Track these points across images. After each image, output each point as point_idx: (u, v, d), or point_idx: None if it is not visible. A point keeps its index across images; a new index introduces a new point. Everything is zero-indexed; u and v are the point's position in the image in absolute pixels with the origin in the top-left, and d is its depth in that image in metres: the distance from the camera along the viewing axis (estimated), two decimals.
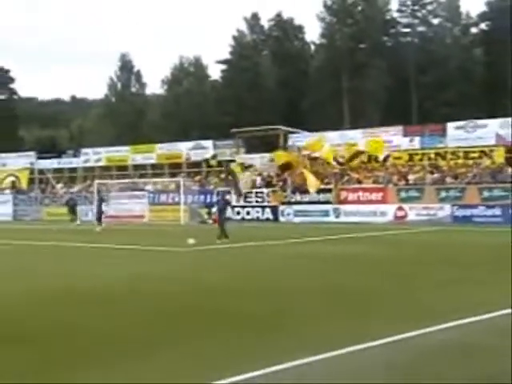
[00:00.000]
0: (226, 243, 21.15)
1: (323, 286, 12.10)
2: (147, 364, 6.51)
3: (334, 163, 38.95)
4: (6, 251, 20.91)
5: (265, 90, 65.83)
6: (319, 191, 37.28)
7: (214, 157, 44.87)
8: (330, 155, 38.73)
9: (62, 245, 22.82)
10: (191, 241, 20.74)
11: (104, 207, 34.10)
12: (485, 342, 7.33)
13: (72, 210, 39.69)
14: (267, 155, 43.61)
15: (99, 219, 32.76)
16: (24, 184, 50.51)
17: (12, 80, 78.04)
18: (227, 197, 25.75)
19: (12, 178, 51.06)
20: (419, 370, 6.18)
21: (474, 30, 63.78)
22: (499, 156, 35.98)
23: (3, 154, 54.70)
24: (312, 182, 36.63)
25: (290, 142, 43.64)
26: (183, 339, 7.84)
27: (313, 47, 71.10)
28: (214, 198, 39.85)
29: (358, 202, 36.06)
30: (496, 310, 8.80)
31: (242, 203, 39.15)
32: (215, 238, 22.24)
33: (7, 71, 77.37)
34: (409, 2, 64.09)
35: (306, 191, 37.94)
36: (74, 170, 51.88)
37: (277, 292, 11.54)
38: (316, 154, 40.16)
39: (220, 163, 44.25)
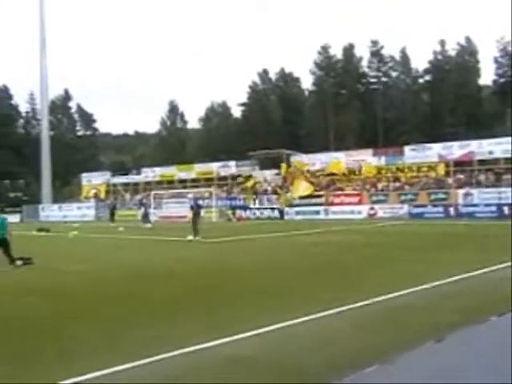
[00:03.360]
0: (198, 240, 19.04)
1: (314, 265, 12.05)
2: (180, 324, 6.58)
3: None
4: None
5: (272, 124, 65.87)
6: (313, 196, 37.42)
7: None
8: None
9: (133, 238, 23.03)
10: (190, 237, 19.27)
11: (147, 210, 31.97)
12: (429, 303, 7.46)
13: (112, 213, 37.96)
14: (275, 171, 43.92)
15: (145, 219, 30.53)
16: (103, 194, 51.18)
17: (94, 121, 78.76)
18: (199, 202, 22.03)
19: (95, 190, 51.78)
20: (387, 324, 6.33)
21: (420, 80, 63.50)
22: (441, 170, 36.14)
23: (88, 173, 55.33)
24: (303, 187, 37.76)
25: (291, 160, 43.86)
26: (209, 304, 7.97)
27: (307, 93, 71.05)
28: (237, 202, 40.38)
29: (341, 203, 36.02)
30: (436, 281, 8.84)
31: (257, 205, 39.28)
32: (237, 232, 21.71)
33: (91, 115, 78.14)
34: (375, 61, 63.96)
35: (303, 197, 38.12)
36: (137, 183, 52.21)
37: (282, 269, 11.58)
38: (312, 169, 40.87)
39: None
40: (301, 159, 43.25)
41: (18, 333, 6.39)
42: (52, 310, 7.57)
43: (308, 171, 40.90)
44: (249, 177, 44.45)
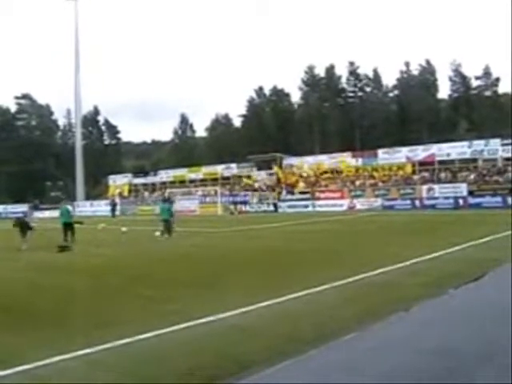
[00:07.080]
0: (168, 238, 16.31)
1: (311, 248, 12.05)
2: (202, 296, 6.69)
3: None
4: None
5: (267, 132, 65.54)
6: (303, 192, 37.50)
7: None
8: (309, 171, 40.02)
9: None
10: (158, 233, 16.65)
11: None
12: (400, 280, 7.52)
13: (112, 209, 37.91)
14: (270, 171, 43.90)
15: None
16: (126, 193, 51.04)
17: (118, 132, 78.47)
18: (172, 199, 19.53)
19: (119, 190, 51.62)
20: (365, 297, 6.45)
21: (390, 94, 63.78)
22: (408, 169, 36.21)
23: (114, 176, 55.29)
24: (300, 185, 38.40)
25: (284, 163, 43.85)
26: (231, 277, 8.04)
27: (296, 106, 70.78)
28: (238, 198, 40.16)
29: (326, 198, 36.10)
30: (407, 260, 8.88)
31: (255, 200, 39.22)
32: (238, 224, 21.23)
33: (116, 127, 78.04)
34: (352, 78, 63.99)
35: (293, 192, 38.22)
36: (154, 183, 52.16)
37: (286, 251, 11.52)
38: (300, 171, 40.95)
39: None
40: (294, 162, 43.32)
41: (66, 305, 6.38)
42: (90, 287, 7.61)
43: (301, 176, 41.05)
44: (248, 177, 44.63)
